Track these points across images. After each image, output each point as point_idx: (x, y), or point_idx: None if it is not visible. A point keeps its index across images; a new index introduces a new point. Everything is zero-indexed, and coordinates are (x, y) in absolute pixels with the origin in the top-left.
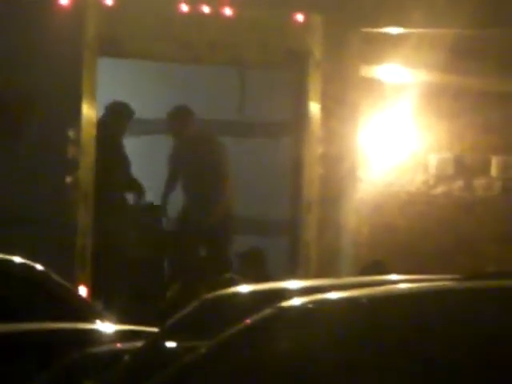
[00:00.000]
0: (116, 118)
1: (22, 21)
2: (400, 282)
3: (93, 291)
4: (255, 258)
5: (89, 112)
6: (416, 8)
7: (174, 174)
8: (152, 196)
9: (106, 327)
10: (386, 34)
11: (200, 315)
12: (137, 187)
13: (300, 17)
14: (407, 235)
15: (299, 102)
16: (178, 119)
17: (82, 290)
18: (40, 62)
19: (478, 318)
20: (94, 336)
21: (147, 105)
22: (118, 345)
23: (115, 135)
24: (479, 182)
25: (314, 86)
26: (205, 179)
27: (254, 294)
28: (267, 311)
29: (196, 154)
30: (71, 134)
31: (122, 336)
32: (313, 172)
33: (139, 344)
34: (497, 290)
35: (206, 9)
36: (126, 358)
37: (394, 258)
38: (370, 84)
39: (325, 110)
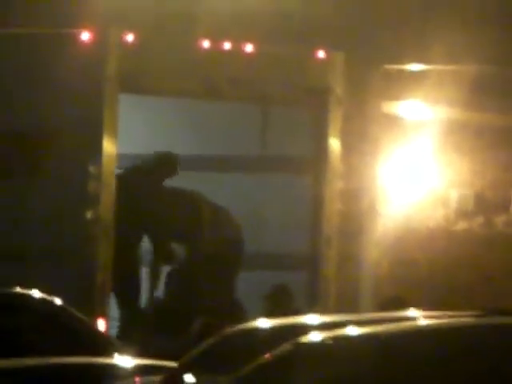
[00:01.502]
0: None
1: (44, 56)
2: (419, 318)
3: None
4: (283, 295)
5: (109, 147)
6: (437, 45)
7: None
8: None
9: (124, 361)
10: (407, 71)
11: (219, 349)
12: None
13: (321, 53)
14: (427, 270)
15: (320, 138)
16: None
17: (101, 324)
18: (61, 97)
19: (497, 354)
20: (113, 370)
21: (169, 142)
22: (137, 379)
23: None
24: (499, 219)
25: (335, 122)
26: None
27: (273, 329)
28: (286, 346)
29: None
30: (92, 169)
31: (140, 370)
32: (333, 207)
33: (158, 378)
34: None
35: (227, 45)
36: None
37: (414, 293)
38: (391, 120)
39: (345, 145)
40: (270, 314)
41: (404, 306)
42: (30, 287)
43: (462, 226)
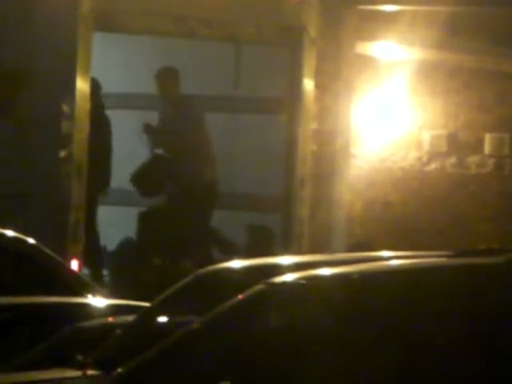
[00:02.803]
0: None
1: None
2: (392, 259)
3: None
4: (266, 234)
5: (83, 86)
6: None
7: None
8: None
9: (97, 301)
10: (381, 12)
11: (192, 290)
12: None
13: None
14: (400, 211)
15: (293, 79)
16: (163, 79)
17: (75, 264)
18: (34, 35)
19: (469, 295)
20: (86, 310)
21: (141, 80)
22: (110, 319)
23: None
24: (472, 159)
25: (309, 62)
26: (186, 141)
27: (246, 270)
28: (259, 287)
29: (179, 114)
30: (65, 107)
31: (113, 310)
32: (306, 148)
33: (131, 318)
34: (487, 266)
35: None
36: (118, 332)
37: (387, 234)
38: (365, 61)
39: (319, 86)
40: (248, 246)
41: (375, 248)
42: (2, 226)
43: (435, 166)
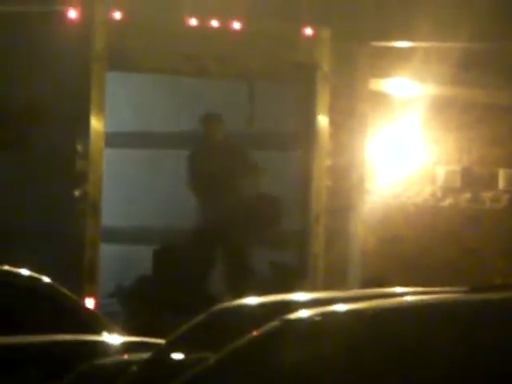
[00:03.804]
0: None
1: (31, 33)
2: (406, 295)
3: None
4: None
5: (97, 125)
6: (423, 22)
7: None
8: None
9: (113, 339)
10: (394, 48)
11: (207, 327)
12: None
13: (308, 30)
14: (414, 246)
15: (308, 115)
16: (209, 124)
17: (90, 302)
18: (49, 74)
19: (483, 330)
20: (101, 348)
21: (155, 118)
22: (125, 356)
23: None
24: (486, 195)
25: (323, 98)
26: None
27: (261, 306)
28: (274, 323)
29: (217, 157)
30: (79, 147)
31: (129, 347)
32: (321, 184)
33: (146, 355)
34: (501, 302)
35: (214, 23)
36: (133, 369)
37: (401, 269)
38: (379, 97)
39: (333, 122)
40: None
41: (389, 284)
42: (18, 265)
43: (449, 202)
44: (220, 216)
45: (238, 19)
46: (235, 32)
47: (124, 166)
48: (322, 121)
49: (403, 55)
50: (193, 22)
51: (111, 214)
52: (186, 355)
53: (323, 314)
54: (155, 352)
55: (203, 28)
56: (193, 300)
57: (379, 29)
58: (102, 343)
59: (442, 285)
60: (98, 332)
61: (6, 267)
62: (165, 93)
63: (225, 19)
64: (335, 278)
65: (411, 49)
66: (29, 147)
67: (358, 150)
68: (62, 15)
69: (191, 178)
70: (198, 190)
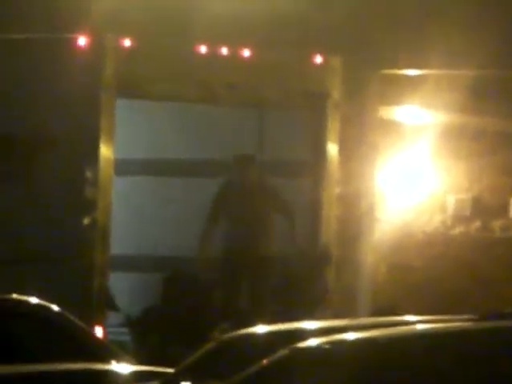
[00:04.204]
0: None
1: (40, 61)
2: (416, 323)
3: None
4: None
5: (107, 153)
6: (434, 49)
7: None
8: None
9: (122, 368)
10: (404, 76)
11: (216, 356)
12: None
13: (319, 58)
14: (425, 275)
15: (318, 143)
16: (238, 164)
17: (99, 331)
18: (59, 102)
19: (497, 358)
20: (110, 377)
21: (165, 145)
22: None
23: None
24: (497, 223)
25: (333, 126)
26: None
27: (270, 335)
28: (283, 352)
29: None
30: (89, 174)
31: (137, 376)
32: (330, 212)
33: None
34: None
35: (224, 50)
36: None
37: (412, 297)
38: (389, 125)
39: (343, 150)
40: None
41: (400, 313)
42: (27, 293)
43: (459, 230)
44: (249, 252)
45: (249, 47)
46: (245, 60)
47: (133, 194)
48: (332, 149)
49: (414, 83)
50: (203, 49)
51: (120, 241)
52: None
53: (332, 343)
54: (164, 381)
55: (213, 55)
56: (202, 329)
57: (390, 57)
58: (111, 372)
59: (452, 313)
60: (106, 361)
61: (15, 295)
62: (175, 120)
63: (235, 47)
64: (345, 307)
65: (422, 77)
66: (38, 175)
67: (367, 178)
68: (72, 42)
69: (220, 214)
70: (226, 227)
